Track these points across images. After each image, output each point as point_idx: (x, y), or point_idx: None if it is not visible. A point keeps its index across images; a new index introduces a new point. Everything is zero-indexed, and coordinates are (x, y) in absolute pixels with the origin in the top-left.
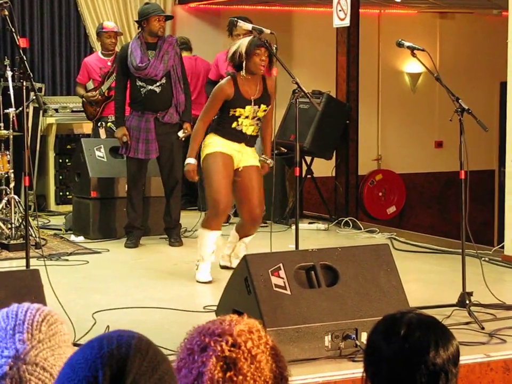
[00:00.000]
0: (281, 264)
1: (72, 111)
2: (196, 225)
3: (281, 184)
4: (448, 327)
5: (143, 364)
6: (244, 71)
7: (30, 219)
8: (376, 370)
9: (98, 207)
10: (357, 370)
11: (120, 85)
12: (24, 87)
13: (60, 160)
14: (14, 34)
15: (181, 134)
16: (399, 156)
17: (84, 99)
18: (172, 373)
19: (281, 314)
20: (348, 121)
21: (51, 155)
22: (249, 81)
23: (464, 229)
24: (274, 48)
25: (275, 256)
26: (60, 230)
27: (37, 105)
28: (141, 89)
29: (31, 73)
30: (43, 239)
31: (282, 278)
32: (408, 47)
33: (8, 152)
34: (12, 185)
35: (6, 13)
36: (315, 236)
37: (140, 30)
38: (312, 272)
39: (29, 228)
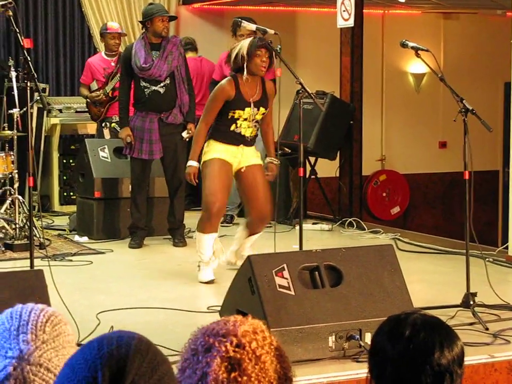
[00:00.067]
0: (285, 265)
1: (76, 112)
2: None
3: (285, 185)
4: (452, 328)
5: (142, 365)
6: (245, 72)
7: (34, 219)
8: (380, 371)
9: (102, 207)
10: (361, 370)
11: (124, 85)
12: (28, 88)
13: (64, 161)
14: (18, 34)
15: (184, 134)
16: (403, 156)
17: (88, 100)
18: (172, 374)
19: (285, 315)
20: (351, 122)
21: (55, 155)
22: (250, 83)
23: (468, 230)
24: (278, 48)
25: (279, 256)
26: (64, 230)
27: (41, 105)
28: (145, 90)
29: (35, 74)
30: (47, 239)
31: (286, 279)
32: (412, 48)
33: (12, 153)
34: (16, 185)
35: (10, 13)
36: (319, 236)
37: (144, 30)
38: (316, 272)
39: (33, 228)
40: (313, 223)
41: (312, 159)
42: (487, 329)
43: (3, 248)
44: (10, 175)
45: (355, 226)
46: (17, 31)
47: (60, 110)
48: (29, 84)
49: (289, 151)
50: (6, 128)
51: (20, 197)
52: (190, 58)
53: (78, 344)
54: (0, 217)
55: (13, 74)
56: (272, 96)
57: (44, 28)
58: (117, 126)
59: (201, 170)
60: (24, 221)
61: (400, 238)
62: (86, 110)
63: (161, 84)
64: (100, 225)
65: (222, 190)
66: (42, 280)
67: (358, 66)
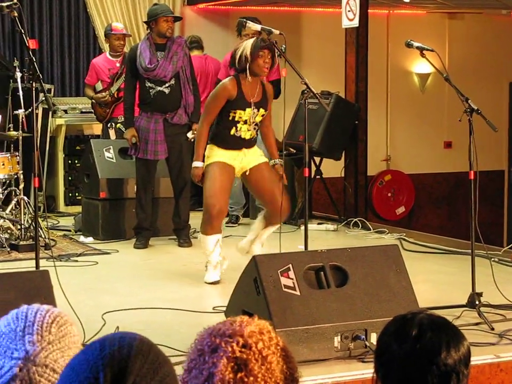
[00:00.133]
0: (290, 265)
1: (81, 112)
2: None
3: (290, 185)
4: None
5: (144, 366)
6: (248, 73)
7: (40, 220)
8: (387, 371)
9: (107, 208)
10: (366, 371)
11: (129, 86)
12: (33, 88)
13: (69, 161)
14: (24, 35)
15: (190, 135)
16: (408, 156)
17: (93, 101)
18: (174, 375)
19: (290, 315)
20: (356, 122)
21: (60, 156)
22: (251, 83)
23: (474, 230)
24: (282, 48)
25: (284, 256)
26: (69, 231)
27: (46, 106)
28: (150, 90)
29: (40, 75)
30: (52, 240)
31: (292, 279)
32: (417, 48)
33: (17, 153)
34: (21, 186)
35: (16, 14)
36: (324, 236)
37: (148, 31)
38: (322, 272)
39: (39, 229)
40: (319, 223)
41: (317, 159)
42: (492, 329)
43: (8, 249)
44: (15, 176)
45: (360, 226)
46: (23, 31)
47: (65, 111)
48: (34, 85)
49: (294, 151)
50: (12, 129)
51: (25, 198)
52: (195, 56)
53: (84, 345)
54: (6, 217)
55: (18, 75)
56: (271, 98)
57: (49, 28)
58: (122, 126)
59: (203, 174)
60: (30, 221)
61: (406, 238)
62: (91, 110)
63: (166, 85)
64: (105, 225)
65: (222, 191)
66: (47, 281)
67: (363, 66)
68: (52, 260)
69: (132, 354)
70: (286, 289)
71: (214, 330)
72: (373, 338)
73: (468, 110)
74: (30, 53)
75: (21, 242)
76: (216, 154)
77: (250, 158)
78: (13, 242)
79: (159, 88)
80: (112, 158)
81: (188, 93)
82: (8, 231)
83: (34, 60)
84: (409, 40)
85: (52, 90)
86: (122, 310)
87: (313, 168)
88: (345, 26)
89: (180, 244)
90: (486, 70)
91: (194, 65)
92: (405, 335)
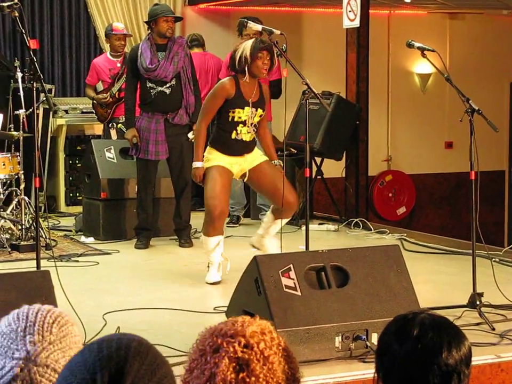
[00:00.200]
0: (291, 265)
1: (82, 112)
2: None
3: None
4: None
5: (142, 367)
6: (246, 74)
7: (40, 220)
8: (388, 371)
9: (108, 208)
10: (367, 371)
11: (130, 86)
12: (34, 89)
13: (70, 161)
14: (24, 35)
15: (190, 135)
16: (409, 156)
17: (94, 101)
18: (172, 377)
19: (291, 315)
20: (357, 122)
21: (61, 156)
22: (249, 84)
23: (475, 230)
24: (283, 47)
25: (285, 257)
26: (70, 231)
27: (47, 106)
28: (151, 91)
29: (41, 75)
30: (53, 240)
31: (293, 279)
32: (418, 48)
33: (18, 154)
34: (22, 186)
35: (16, 14)
36: (325, 236)
37: (149, 31)
38: (323, 273)
39: (39, 229)
40: (320, 224)
41: (318, 159)
42: (493, 329)
43: (9, 249)
44: (16, 176)
45: (361, 226)
46: (23, 31)
47: (66, 111)
48: (35, 85)
49: (295, 151)
50: (12, 129)
51: (26, 198)
52: (195, 53)
53: (84, 345)
54: (7, 218)
55: (19, 75)
56: (268, 99)
57: (50, 28)
58: (123, 127)
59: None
60: (31, 221)
61: (406, 238)
62: (92, 110)
63: (167, 85)
64: (106, 226)
65: (223, 193)
66: (48, 281)
67: (364, 66)
68: (53, 260)
69: (130, 355)
70: (287, 290)
71: (215, 331)
72: (374, 338)
73: (469, 110)
74: (31, 53)
75: (22, 243)
76: (215, 158)
77: (250, 160)
78: (13, 242)
79: (160, 89)
80: (113, 158)
81: (189, 93)
82: (9, 231)
83: (35, 60)
84: (410, 41)
85: (53, 90)
86: (123, 310)
87: (314, 168)
88: (346, 27)
89: (181, 244)
90: (487, 70)
91: (194, 62)
92: (406, 335)
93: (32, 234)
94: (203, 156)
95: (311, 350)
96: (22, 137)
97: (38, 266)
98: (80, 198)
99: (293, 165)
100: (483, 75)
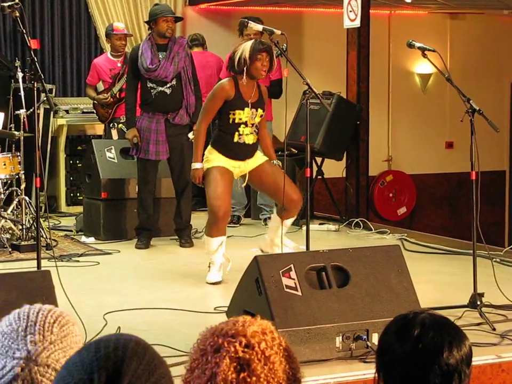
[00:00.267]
0: (292, 265)
1: (83, 112)
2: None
3: None
4: None
5: (139, 367)
6: (244, 75)
7: (41, 220)
8: (389, 371)
9: (109, 208)
10: (368, 371)
11: (130, 86)
12: (35, 88)
13: (71, 161)
14: (25, 35)
15: (191, 135)
16: (409, 156)
17: (95, 101)
18: (169, 377)
19: (292, 315)
20: (358, 122)
21: (62, 156)
22: (248, 84)
23: (475, 230)
24: (284, 46)
25: (286, 257)
26: (71, 231)
27: (47, 106)
28: (152, 91)
29: (42, 75)
30: (54, 240)
31: (293, 279)
32: (419, 48)
33: (19, 154)
34: (22, 186)
35: (17, 14)
36: (326, 236)
37: (150, 31)
38: (323, 273)
39: (40, 229)
40: (320, 224)
41: (318, 159)
42: (494, 329)
43: (10, 249)
44: (17, 176)
45: (362, 226)
46: (24, 31)
47: (67, 111)
48: (35, 85)
49: (296, 151)
50: (13, 129)
51: (27, 198)
52: (194, 52)
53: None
54: (7, 218)
55: (20, 75)
56: (267, 99)
57: (51, 28)
58: (124, 127)
59: (204, 177)
60: (31, 221)
61: (407, 238)
62: (93, 110)
63: (168, 85)
64: (106, 226)
65: (225, 193)
66: (49, 281)
67: (365, 66)
68: (54, 260)
69: (127, 355)
70: (287, 290)
71: (216, 330)
72: (375, 338)
73: (470, 110)
74: (32, 53)
75: (23, 243)
76: (215, 158)
77: (251, 163)
78: (14, 242)
79: (160, 89)
80: (114, 158)
81: (189, 93)
82: (10, 231)
83: (36, 60)
84: (411, 41)
85: (53, 90)
86: (123, 310)
87: (315, 168)
88: (347, 27)
89: (182, 244)
90: (488, 70)
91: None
92: (407, 335)
93: (33, 234)
94: (202, 157)
95: (311, 350)
96: (22, 137)
97: (39, 266)
98: (81, 198)
99: (293, 165)
100: (484, 75)
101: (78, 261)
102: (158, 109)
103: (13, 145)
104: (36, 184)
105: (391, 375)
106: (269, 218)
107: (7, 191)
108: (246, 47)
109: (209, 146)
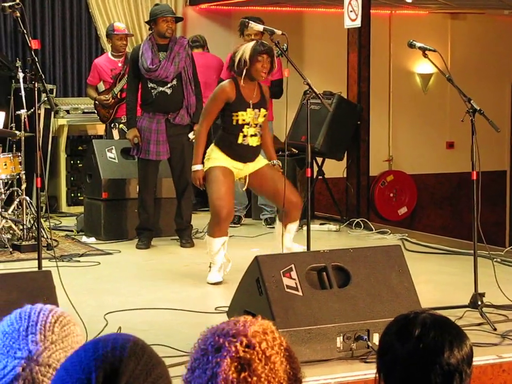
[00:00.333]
0: (292, 265)
1: (84, 113)
2: (207, 227)
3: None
4: None
5: (137, 367)
6: (243, 76)
7: (42, 220)
8: (390, 370)
9: (109, 208)
10: (369, 371)
11: (131, 86)
12: (35, 89)
13: (72, 162)
14: (26, 36)
15: (191, 135)
16: (410, 156)
17: (96, 101)
18: (167, 377)
19: (292, 316)
20: (359, 122)
21: (62, 156)
22: (249, 85)
23: (476, 230)
24: (284, 47)
25: (287, 257)
26: (72, 231)
27: (48, 106)
28: (152, 91)
29: (42, 75)
30: (55, 240)
31: (294, 279)
32: (420, 48)
33: (19, 154)
34: (23, 186)
35: (18, 14)
36: (326, 236)
37: (151, 31)
38: (324, 273)
39: (41, 229)
40: (321, 224)
41: (319, 159)
42: (495, 329)
43: (11, 249)
44: (17, 176)
45: (362, 226)
46: (25, 32)
47: (67, 111)
48: (36, 85)
49: (297, 151)
50: (14, 129)
51: (28, 198)
52: (194, 53)
53: None
54: (8, 218)
55: (21, 75)
56: (269, 98)
57: (51, 29)
58: (124, 127)
59: (205, 176)
60: (32, 221)
61: (408, 238)
62: (94, 111)
63: (168, 85)
64: (107, 226)
65: (228, 194)
66: (50, 281)
67: (365, 66)
68: (54, 260)
69: (125, 355)
70: (288, 290)
71: (217, 330)
72: (375, 338)
73: (470, 110)
74: (32, 53)
75: (23, 243)
76: (217, 158)
77: (252, 166)
78: (15, 242)
79: (161, 89)
80: (114, 159)
81: (190, 94)
82: (11, 231)
83: (37, 60)
84: (411, 41)
85: (54, 90)
86: (124, 310)
87: (316, 168)
88: (347, 27)
89: (182, 244)
90: (488, 70)
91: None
92: (408, 335)
93: (34, 234)
94: (203, 159)
95: (312, 350)
96: (23, 137)
97: (40, 266)
98: (82, 198)
99: (294, 165)
100: (484, 75)
101: (78, 261)
102: (159, 109)
103: (14, 146)
104: (36, 184)
105: (392, 375)
106: (270, 218)
107: (8, 191)
108: (246, 48)
109: (212, 145)
